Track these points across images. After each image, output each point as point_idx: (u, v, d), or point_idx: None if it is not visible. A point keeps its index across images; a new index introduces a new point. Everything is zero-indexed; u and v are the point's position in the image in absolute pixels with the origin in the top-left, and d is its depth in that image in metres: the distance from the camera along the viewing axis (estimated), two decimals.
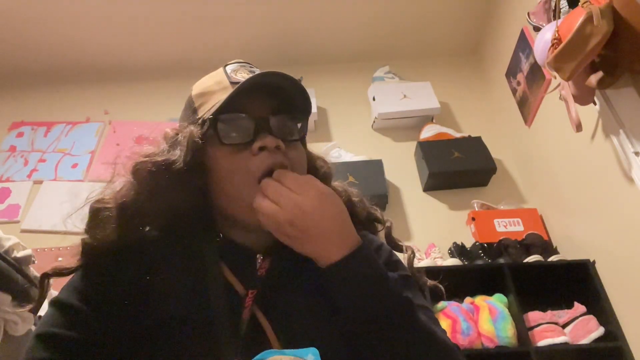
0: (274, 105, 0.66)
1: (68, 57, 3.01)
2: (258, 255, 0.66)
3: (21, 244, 1.55)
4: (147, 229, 0.68)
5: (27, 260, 1.53)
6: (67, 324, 0.58)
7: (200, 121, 0.65)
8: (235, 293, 0.62)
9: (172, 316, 0.59)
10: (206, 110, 0.66)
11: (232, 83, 0.66)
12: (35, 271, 1.59)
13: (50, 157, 2.73)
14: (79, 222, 0.65)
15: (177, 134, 0.66)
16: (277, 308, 0.62)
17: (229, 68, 0.70)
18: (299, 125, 0.69)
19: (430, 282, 0.77)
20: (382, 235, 0.80)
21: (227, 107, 0.63)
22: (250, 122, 0.64)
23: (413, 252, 0.78)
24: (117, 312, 0.59)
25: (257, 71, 0.70)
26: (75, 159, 2.72)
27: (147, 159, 0.64)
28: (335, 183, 0.78)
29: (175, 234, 0.66)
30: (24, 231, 2.39)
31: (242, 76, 0.67)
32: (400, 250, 0.77)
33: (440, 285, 0.78)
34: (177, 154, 0.63)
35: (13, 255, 1.50)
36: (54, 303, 0.61)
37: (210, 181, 0.65)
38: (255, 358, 0.43)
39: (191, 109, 0.69)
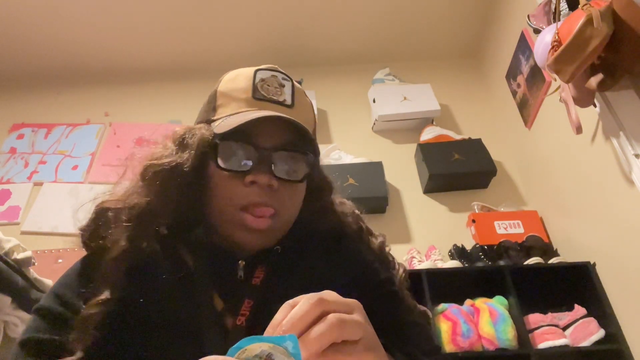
0: (284, 139, 0.65)
1: (68, 59, 3.02)
2: (240, 262, 0.66)
3: (21, 245, 1.55)
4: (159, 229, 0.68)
5: (27, 262, 1.53)
6: (49, 329, 0.58)
7: (212, 128, 0.65)
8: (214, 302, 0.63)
9: (156, 320, 0.59)
10: (222, 116, 0.66)
11: (256, 99, 0.65)
12: (35, 273, 1.59)
13: (51, 159, 2.73)
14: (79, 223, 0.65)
15: (186, 134, 0.66)
16: (270, 315, 0.62)
17: (259, 76, 0.67)
18: (306, 164, 0.66)
19: (420, 307, 0.76)
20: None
21: (235, 131, 0.62)
22: (253, 153, 0.63)
23: (405, 270, 0.78)
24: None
25: (287, 85, 0.68)
26: (75, 161, 2.72)
27: (155, 161, 0.64)
28: (333, 197, 0.77)
29: (170, 236, 0.67)
30: (24, 233, 2.39)
31: (268, 90, 0.66)
32: (391, 266, 0.77)
33: (429, 311, 0.77)
34: (185, 157, 0.64)
35: (13, 257, 1.50)
36: (35, 311, 0.61)
37: (207, 187, 0.66)
38: (234, 346, 0.42)
39: (211, 105, 0.68)
